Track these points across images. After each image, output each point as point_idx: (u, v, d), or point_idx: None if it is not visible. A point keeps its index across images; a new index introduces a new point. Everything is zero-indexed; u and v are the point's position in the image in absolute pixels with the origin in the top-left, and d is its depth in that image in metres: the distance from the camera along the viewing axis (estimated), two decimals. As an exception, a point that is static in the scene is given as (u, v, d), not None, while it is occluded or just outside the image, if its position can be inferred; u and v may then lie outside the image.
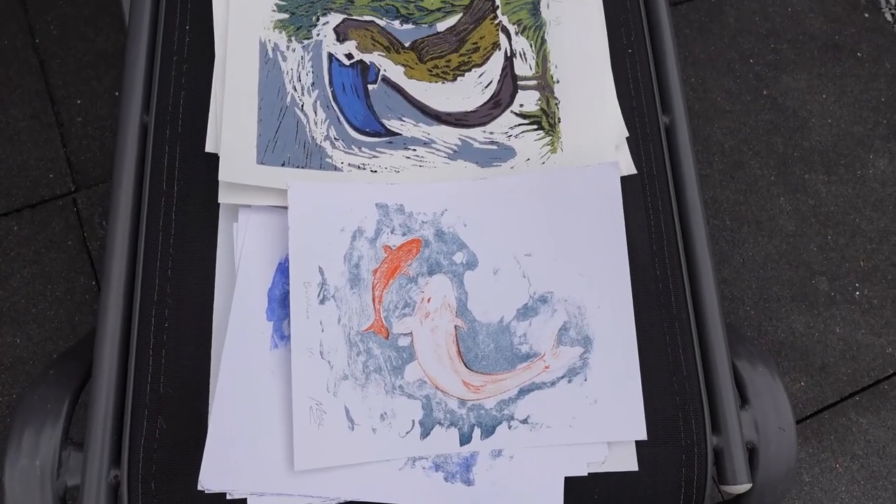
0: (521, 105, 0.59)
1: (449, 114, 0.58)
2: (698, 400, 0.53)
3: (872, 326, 1.16)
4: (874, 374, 1.14)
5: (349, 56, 0.59)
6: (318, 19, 0.59)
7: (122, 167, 0.54)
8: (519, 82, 0.60)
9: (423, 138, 0.57)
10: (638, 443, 0.51)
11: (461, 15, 0.61)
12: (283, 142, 0.54)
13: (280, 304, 0.51)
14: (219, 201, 0.52)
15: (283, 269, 0.51)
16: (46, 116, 1.14)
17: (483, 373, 0.51)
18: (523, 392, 0.51)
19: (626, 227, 0.55)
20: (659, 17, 0.64)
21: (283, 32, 0.58)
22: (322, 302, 0.50)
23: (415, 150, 0.56)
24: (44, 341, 1.00)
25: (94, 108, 1.15)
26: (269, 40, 0.58)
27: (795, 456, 0.58)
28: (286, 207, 0.52)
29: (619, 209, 0.54)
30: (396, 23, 0.60)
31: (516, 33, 0.61)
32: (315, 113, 0.56)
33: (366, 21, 0.60)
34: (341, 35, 0.59)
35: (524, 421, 0.50)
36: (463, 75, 0.59)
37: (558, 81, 0.60)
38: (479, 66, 0.60)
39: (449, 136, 0.57)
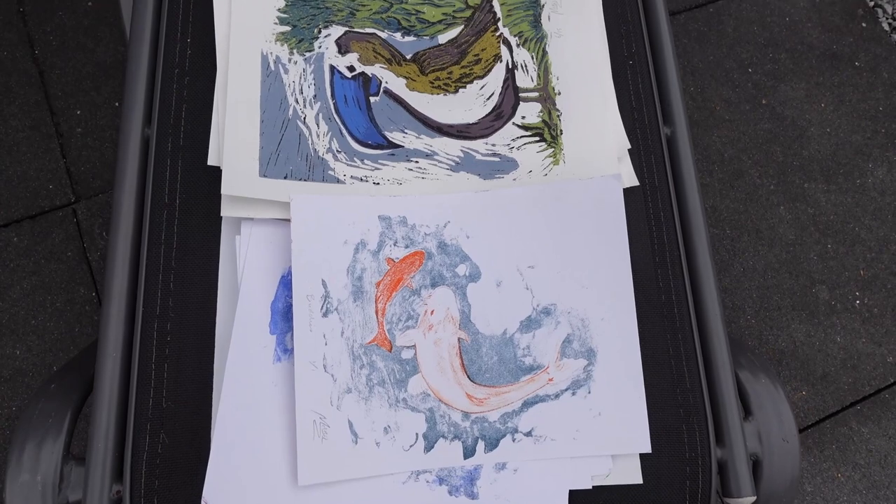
0: (523, 117, 0.59)
1: (451, 126, 0.58)
2: (702, 412, 0.53)
3: (873, 335, 1.16)
4: (875, 384, 1.14)
5: (351, 68, 0.59)
6: (319, 32, 0.59)
7: (123, 180, 0.54)
8: (521, 94, 0.60)
9: (426, 150, 0.57)
10: (642, 455, 0.51)
11: (462, 27, 0.61)
12: (285, 154, 0.54)
13: (283, 317, 0.50)
14: (221, 214, 0.52)
15: (285, 282, 0.51)
16: (46, 127, 1.14)
17: (487, 385, 0.51)
18: (527, 405, 0.51)
19: (628, 239, 0.55)
20: (659, 28, 0.64)
21: (285, 45, 0.58)
22: (325, 315, 0.50)
23: (417, 162, 0.56)
24: (43, 353, 1.00)
25: (94, 119, 1.15)
26: (271, 53, 0.58)
27: (799, 467, 0.58)
28: (289, 220, 0.52)
29: (622, 221, 0.54)
30: (398, 35, 0.60)
31: (518, 45, 0.61)
32: (317, 125, 0.56)
33: (367, 33, 0.60)
34: (343, 47, 0.59)
35: (528, 434, 0.50)
36: (465, 87, 0.59)
37: (560, 93, 0.60)
38: (481, 77, 0.60)
39: (451, 148, 0.57)
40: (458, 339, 0.52)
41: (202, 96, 0.57)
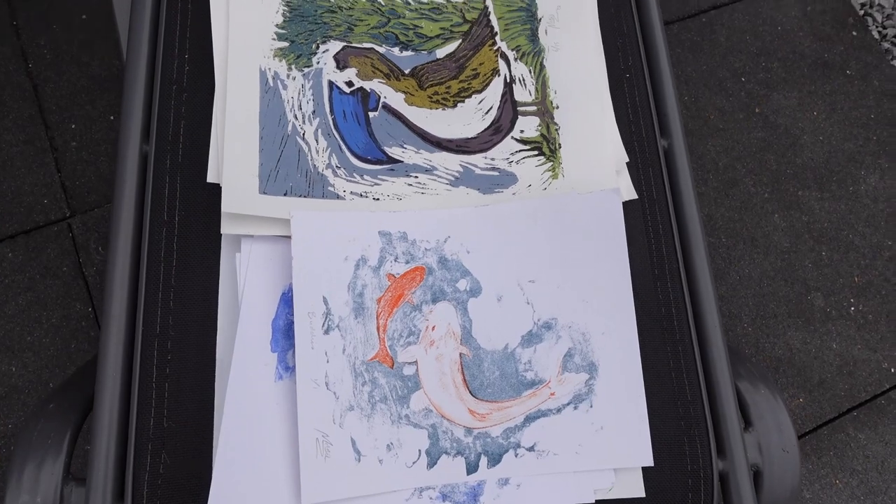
0: (522, 131, 0.59)
1: (450, 140, 0.58)
2: (703, 424, 0.53)
3: (868, 342, 1.17)
4: (871, 390, 1.14)
5: (349, 83, 0.59)
6: (317, 47, 0.59)
7: (121, 197, 0.54)
8: (519, 108, 0.60)
9: (425, 165, 0.57)
10: (644, 469, 0.51)
11: (460, 41, 0.62)
12: (284, 171, 0.54)
13: (284, 334, 0.50)
14: (222, 232, 0.52)
15: (286, 300, 0.51)
16: (40, 141, 1.14)
17: (489, 400, 0.51)
18: (529, 419, 0.51)
19: (628, 252, 0.55)
20: (655, 41, 0.65)
21: (283, 61, 0.58)
22: (327, 332, 0.50)
23: (417, 177, 0.56)
24: (40, 370, 0.99)
25: (89, 133, 1.15)
26: (270, 69, 0.58)
27: (799, 478, 0.58)
28: (289, 237, 0.52)
29: (622, 235, 0.54)
30: (396, 50, 0.60)
31: (515, 59, 0.61)
32: (316, 141, 0.56)
33: (365, 48, 0.60)
34: (341, 62, 0.59)
35: (531, 448, 0.50)
36: (463, 101, 0.60)
37: (558, 107, 0.60)
38: (479, 92, 0.60)
39: (450, 162, 0.57)
40: (460, 354, 0.52)
41: (200, 112, 0.57)
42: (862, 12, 1.41)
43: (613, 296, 0.53)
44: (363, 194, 0.55)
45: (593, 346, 0.52)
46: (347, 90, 0.58)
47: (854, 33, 1.39)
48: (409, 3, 0.62)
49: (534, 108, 0.60)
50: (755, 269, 1.19)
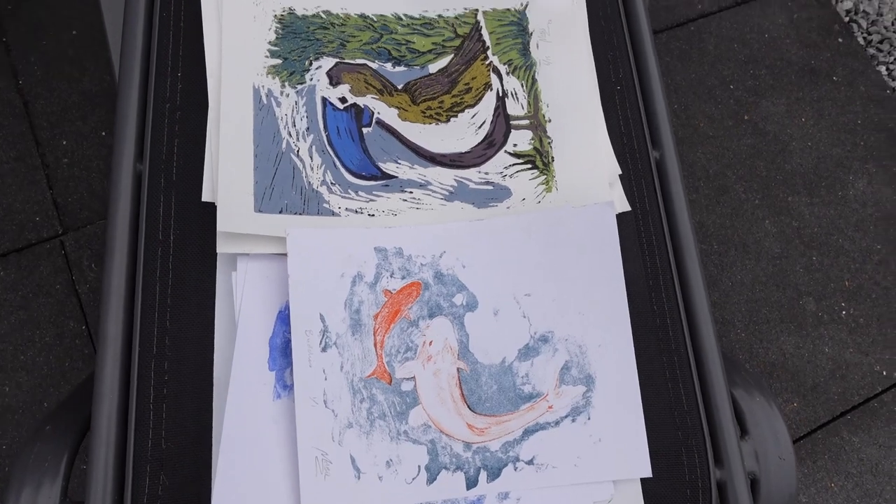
0: (515, 144, 0.59)
1: (444, 155, 0.58)
2: (700, 434, 0.54)
3: (860, 345, 1.18)
4: (864, 393, 1.15)
5: (343, 100, 0.59)
6: (310, 64, 0.60)
7: (115, 217, 0.54)
8: (511, 122, 0.60)
9: (419, 180, 0.57)
10: (643, 480, 0.51)
11: (452, 56, 0.62)
12: (279, 188, 0.54)
13: (281, 353, 0.50)
14: (217, 251, 0.52)
15: (283, 317, 0.51)
16: (31, 158, 1.13)
17: (487, 415, 0.51)
18: (528, 433, 0.51)
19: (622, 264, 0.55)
20: (645, 53, 0.65)
21: (277, 78, 0.58)
22: (324, 350, 0.50)
23: (411, 192, 0.56)
24: (33, 389, 0.99)
25: (81, 149, 1.15)
26: (263, 86, 0.58)
27: (796, 485, 0.58)
28: (285, 255, 0.52)
29: (616, 248, 0.55)
30: (389, 65, 0.61)
31: (507, 73, 0.62)
32: (311, 158, 0.56)
33: (358, 64, 0.60)
34: (334, 79, 0.59)
35: (530, 462, 0.50)
36: (456, 116, 0.60)
37: (550, 120, 0.61)
38: (472, 106, 0.60)
39: (444, 177, 0.57)
40: (458, 369, 0.52)
41: (194, 131, 0.57)
42: (847, 19, 1.43)
43: (609, 308, 0.54)
44: (358, 210, 0.55)
45: (590, 359, 0.53)
46: (341, 106, 0.59)
47: (840, 40, 1.40)
48: (401, 19, 0.62)
49: (526, 122, 0.60)
50: (747, 274, 1.20)
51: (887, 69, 1.38)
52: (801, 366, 1.16)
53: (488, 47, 0.63)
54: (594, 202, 0.56)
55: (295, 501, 0.47)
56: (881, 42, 1.41)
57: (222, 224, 0.52)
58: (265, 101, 0.57)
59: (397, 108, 0.59)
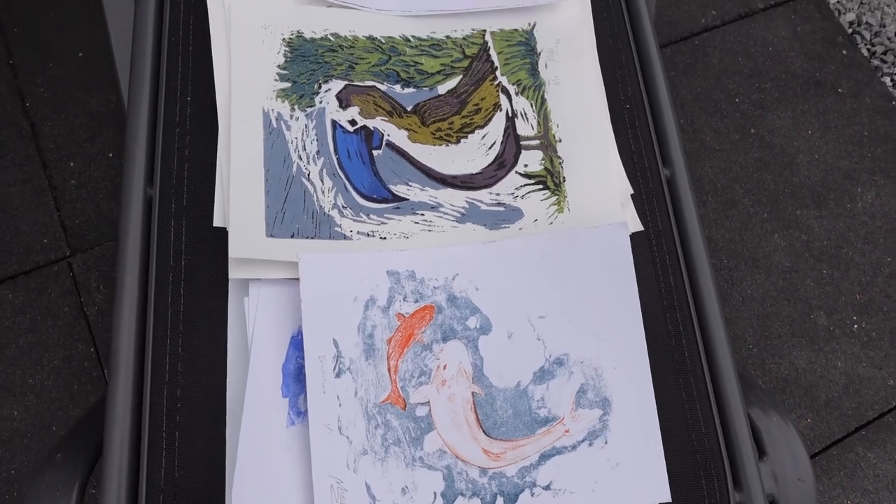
0: (526, 165, 0.59)
1: (454, 176, 0.58)
2: (718, 457, 0.53)
3: (872, 359, 1.17)
4: (878, 408, 1.14)
5: (353, 122, 0.59)
6: (319, 87, 0.60)
7: (126, 243, 0.54)
8: (522, 142, 0.60)
9: (431, 202, 0.57)
10: (662, 504, 0.51)
11: (461, 77, 0.62)
12: (291, 213, 0.54)
13: (295, 379, 0.50)
14: (230, 277, 0.51)
15: (296, 343, 0.51)
16: (39, 180, 1.13)
17: (503, 439, 0.50)
18: (544, 457, 0.50)
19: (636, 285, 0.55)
20: (653, 71, 0.65)
21: (286, 101, 0.58)
22: (338, 375, 0.50)
23: (423, 214, 0.56)
24: (42, 413, 0.98)
25: (88, 171, 1.15)
26: (273, 110, 0.58)
27: (816, 505, 0.57)
28: (297, 279, 0.51)
29: (631, 269, 0.54)
30: (398, 87, 0.61)
31: (516, 93, 0.62)
32: (322, 181, 0.56)
33: (367, 86, 0.60)
34: (344, 101, 0.59)
35: (546, 487, 0.50)
36: (466, 137, 0.60)
37: (561, 140, 0.60)
38: (482, 127, 0.60)
39: (456, 199, 0.57)
40: (472, 393, 0.51)
41: (204, 155, 0.57)
42: (850, 31, 1.43)
43: (624, 329, 0.53)
44: (370, 234, 0.55)
45: (606, 381, 0.52)
46: (351, 129, 0.59)
47: (844, 52, 1.40)
48: (409, 40, 0.62)
49: (537, 142, 0.60)
50: (757, 289, 1.19)
51: (892, 80, 1.38)
52: (814, 381, 1.14)
53: (497, 67, 0.63)
54: (607, 222, 0.56)
55: (310, 531, 0.46)
56: (885, 53, 1.41)
57: (234, 249, 0.51)
58: (275, 125, 0.57)
59: (407, 129, 0.59)
